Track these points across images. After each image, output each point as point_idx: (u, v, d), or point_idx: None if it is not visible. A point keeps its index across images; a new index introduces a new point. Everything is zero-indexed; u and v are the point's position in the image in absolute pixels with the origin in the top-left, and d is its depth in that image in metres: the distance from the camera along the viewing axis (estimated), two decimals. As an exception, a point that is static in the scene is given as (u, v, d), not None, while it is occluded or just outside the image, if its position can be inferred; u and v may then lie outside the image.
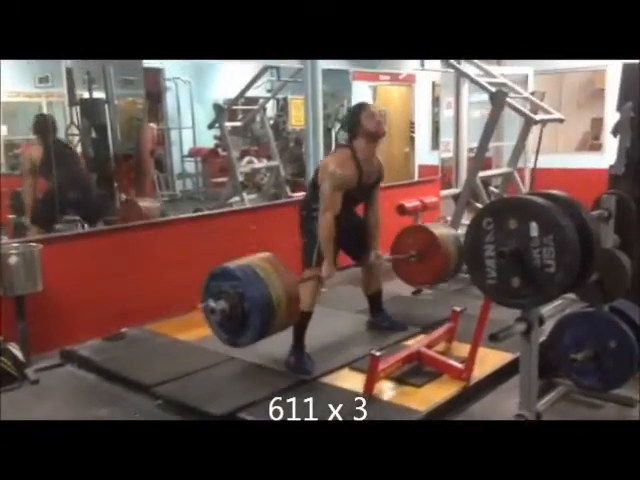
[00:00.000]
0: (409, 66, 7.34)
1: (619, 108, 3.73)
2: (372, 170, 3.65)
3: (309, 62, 5.50)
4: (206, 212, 5.94)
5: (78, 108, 6.50)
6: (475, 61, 5.47)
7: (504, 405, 3.01)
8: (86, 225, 5.54)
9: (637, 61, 3.70)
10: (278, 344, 3.61)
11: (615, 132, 3.78)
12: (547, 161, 5.74)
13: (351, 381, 3.35)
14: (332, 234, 3.45)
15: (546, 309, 2.87)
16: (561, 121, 5.34)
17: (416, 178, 8.81)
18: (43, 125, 5.68)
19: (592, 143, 8.32)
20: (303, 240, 3.62)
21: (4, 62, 7.37)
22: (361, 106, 3.72)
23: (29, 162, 5.45)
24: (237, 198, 7.28)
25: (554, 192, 2.33)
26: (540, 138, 4.88)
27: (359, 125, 3.56)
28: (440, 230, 4.25)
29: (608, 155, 5.18)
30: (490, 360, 3.46)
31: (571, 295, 2.97)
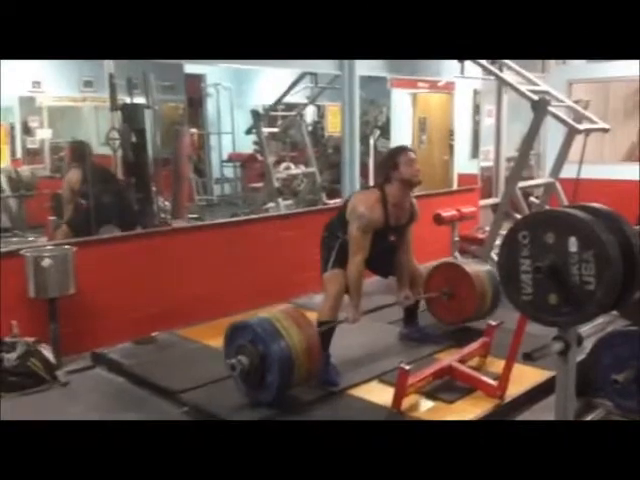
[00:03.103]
0: (449, 74, 7.22)
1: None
2: (402, 213, 3.58)
3: (347, 69, 5.46)
4: (240, 218, 5.94)
5: (120, 113, 6.58)
6: (517, 68, 5.33)
7: (539, 426, 2.88)
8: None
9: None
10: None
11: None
12: (592, 171, 5.54)
13: (380, 394, 3.27)
14: (361, 278, 3.41)
15: (585, 327, 2.75)
16: (606, 131, 5.16)
17: (455, 187, 8.66)
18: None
19: (640, 154, 8.04)
20: (322, 254, 3.59)
21: (48, 66, 7.54)
22: (400, 150, 3.58)
23: None
24: (273, 204, 7.27)
25: (594, 205, 2.22)
26: (584, 148, 4.70)
27: (396, 169, 3.45)
28: (473, 267, 4.16)
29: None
30: (526, 377, 3.34)
31: (612, 312, 2.83)
